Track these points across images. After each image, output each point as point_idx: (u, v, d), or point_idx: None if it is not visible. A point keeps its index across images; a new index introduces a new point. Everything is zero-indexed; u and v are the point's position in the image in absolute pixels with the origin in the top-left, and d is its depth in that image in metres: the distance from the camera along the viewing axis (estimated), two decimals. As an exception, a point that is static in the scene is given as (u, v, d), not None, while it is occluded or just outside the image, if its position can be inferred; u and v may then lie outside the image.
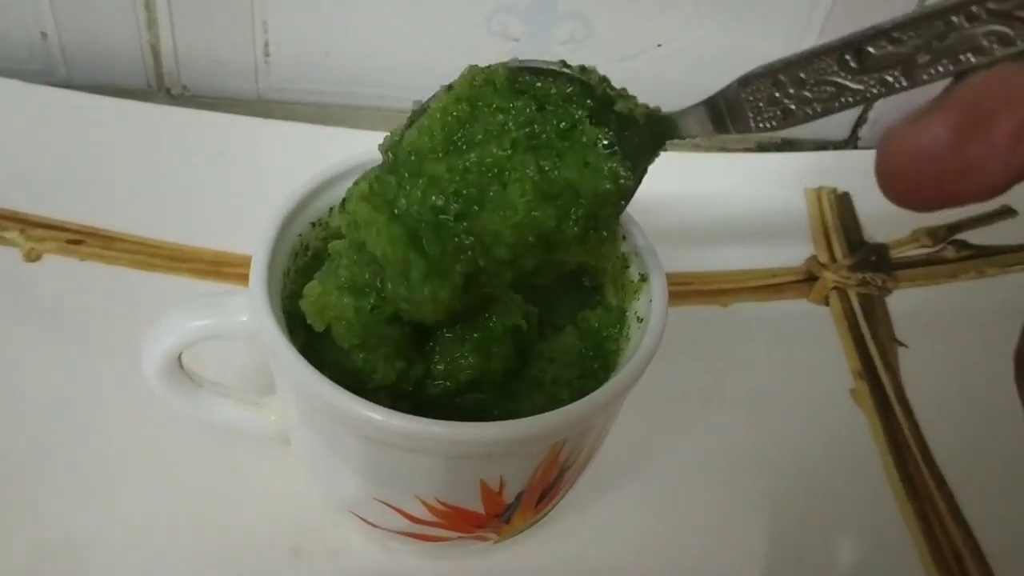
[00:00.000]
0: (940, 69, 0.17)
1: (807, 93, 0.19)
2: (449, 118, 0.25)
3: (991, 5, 0.16)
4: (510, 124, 0.24)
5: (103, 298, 0.40)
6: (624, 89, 0.25)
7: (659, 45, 0.51)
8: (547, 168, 0.23)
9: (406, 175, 0.24)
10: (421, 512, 0.27)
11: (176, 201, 0.44)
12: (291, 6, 0.48)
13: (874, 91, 0.18)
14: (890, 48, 0.17)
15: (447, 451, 0.25)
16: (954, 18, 0.17)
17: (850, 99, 0.18)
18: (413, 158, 0.24)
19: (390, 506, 0.28)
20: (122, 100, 0.48)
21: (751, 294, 0.44)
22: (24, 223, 0.42)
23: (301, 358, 0.25)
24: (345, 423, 0.25)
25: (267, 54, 0.50)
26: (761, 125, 0.20)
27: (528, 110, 0.24)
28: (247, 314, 0.27)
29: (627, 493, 0.35)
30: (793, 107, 0.19)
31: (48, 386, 0.36)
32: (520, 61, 0.25)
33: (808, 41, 0.51)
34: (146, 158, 0.46)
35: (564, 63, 0.25)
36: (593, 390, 0.26)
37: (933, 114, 0.17)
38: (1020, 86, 0.17)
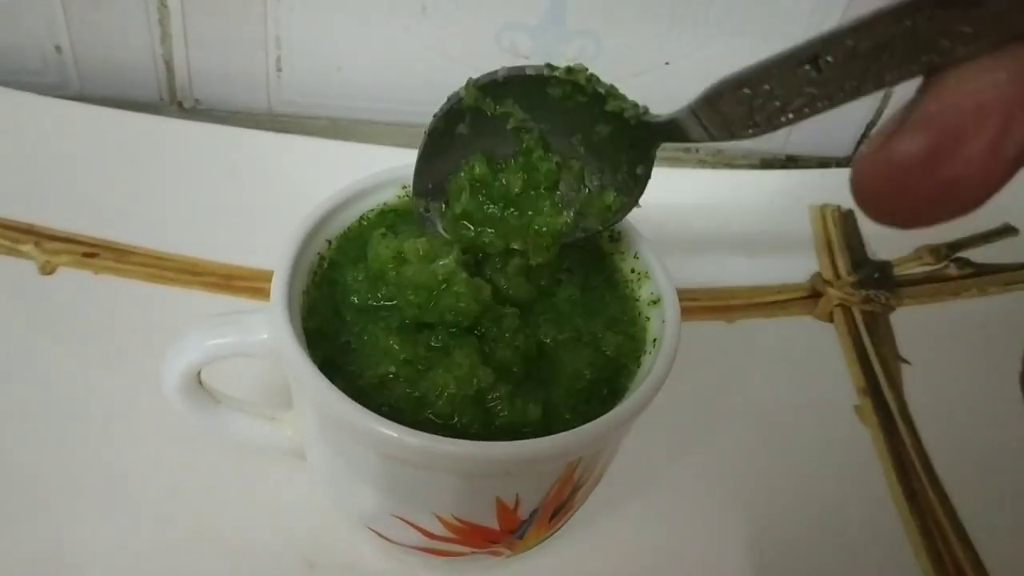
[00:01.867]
0: (903, 72, 0.17)
1: (777, 103, 0.19)
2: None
3: (938, 10, 0.16)
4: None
5: (117, 310, 0.40)
6: (613, 87, 0.27)
7: (667, 63, 0.51)
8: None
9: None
10: (437, 528, 0.28)
11: (188, 214, 0.44)
12: (303, 22, 0.49)
13: (842, 95, 0.18)
14: (849, 53, 0.17)
15: (464, 469, 0.25)
16: (908, 21, 0.16)
17: (820, 104, 0.18)
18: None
19: (407, 522, 0.28)
20: (135, 113, 0.48)
21: (756, 310, 0.45)
22: (39, 236, 0.42)
23: (321, 376, 0.26)
24: (363, 440, 0.26)
25: (279, 69, 0.51)
26: (742, 133, 0.20)
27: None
28: (267, 332, 0.28)
29: (636, 507, 0.36)
30: (764, 119, 0.19)
31: (63, 398, 0.36)
32: (508, 69, 0.27)
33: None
34: (159, 171, 0.46)
35: (550, 65, 0.27)
36: (598, 412, 0.26)
37: (903, 132, 0.17)
38: (989, 96, 0.16)
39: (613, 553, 0.35)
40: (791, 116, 0.19)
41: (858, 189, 0.18)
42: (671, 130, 0.24)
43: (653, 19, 0.49)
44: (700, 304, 0.44)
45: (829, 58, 0.17)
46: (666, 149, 0.55)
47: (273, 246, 0.29)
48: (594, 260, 0.32)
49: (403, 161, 0.32)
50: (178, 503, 0.34)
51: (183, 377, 0.29)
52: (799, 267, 0.47)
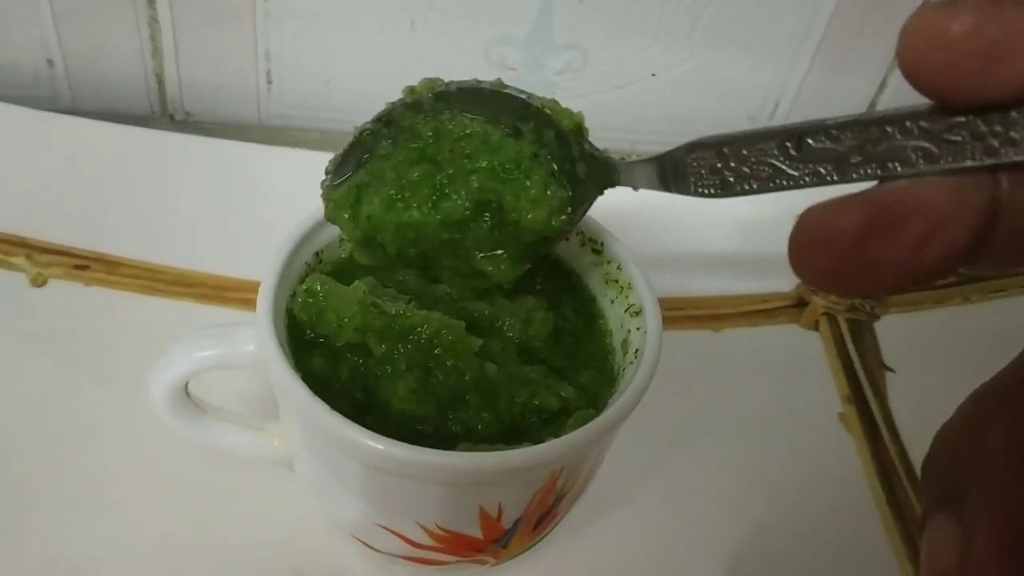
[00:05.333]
0: (868, 171, 0.18)
1: (746, 169, 0.20)
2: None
3: (923, 123, 0.17)
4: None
5: (108, 322, 0.40)
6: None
7: (653, 74, 0.52)
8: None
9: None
10: (421, 537, 0.28)
11: (179, 226, 0.45)
12: (293, 36, 0.49)
13: (807, 179, 0.19)
14: (828, 143, 0.18)
15: (447, 479, 0.26)
16: (889, 128, 0.17)
17: (784, 183, 0.19)
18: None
19: (391, 531, 0.28)
20: (126, 126, 0.48)
21: (742, 319, 0.45)
22: (30, 248, 0.42)
23: (306, 388, 0.26)
24: (348, 451, 0.26)
25: (269, 82, 0.51)
26: (700, 191, 0.21)
27: None
28: (254, 344, 0.28)
29: (620, 517, 0.36)
30: (731, 179, 0.20)
31: (53, 410, 0.37)
32: (460, 81, 0.27)
33: (798, 72, 0.52)
34: (150, 183, 0.46)
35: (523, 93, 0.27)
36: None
37: (847, 203, 0.18)
38: (934, 200, 0.17)
39: (598, 562, 0.35)
40: (752, 185, 0.20)
41: (793, 241, 0.19)
42: (630, 175, 0.24)
43: (639, 32, 0.50)
44: (686, 314, 0.45)
45: (811, 141, 0.18)
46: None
47: (264, 257, 0.29)
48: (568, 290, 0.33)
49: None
50: (166, 513, 0.34)
51: (170, 389, 0.29)
52: (785, 276, 0.46)
